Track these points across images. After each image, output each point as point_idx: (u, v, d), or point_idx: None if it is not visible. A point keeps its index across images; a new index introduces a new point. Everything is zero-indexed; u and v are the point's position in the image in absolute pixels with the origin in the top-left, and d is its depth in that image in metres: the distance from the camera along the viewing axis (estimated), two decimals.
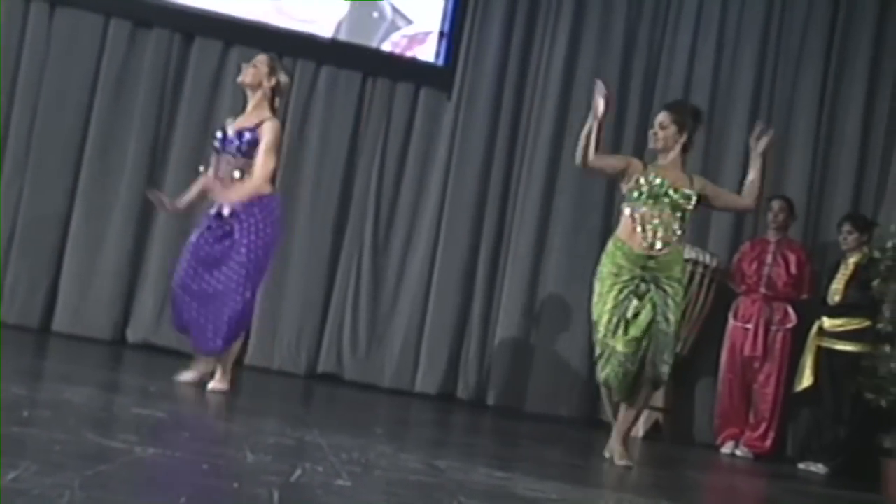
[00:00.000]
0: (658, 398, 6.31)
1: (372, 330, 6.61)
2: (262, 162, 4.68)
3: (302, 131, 6.59)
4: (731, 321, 6.33)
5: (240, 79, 4.91)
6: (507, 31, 6.79)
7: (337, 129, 6.62)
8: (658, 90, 6.86)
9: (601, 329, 4.43)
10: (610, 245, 4.55)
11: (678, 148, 4.59)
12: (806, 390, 6.12)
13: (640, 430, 6.25)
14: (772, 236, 6.37)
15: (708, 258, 6.39)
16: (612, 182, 6.74)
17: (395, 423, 5.35)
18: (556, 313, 6.69)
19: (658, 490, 4.15)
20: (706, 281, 6.35)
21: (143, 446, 2.93)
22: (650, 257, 4.43)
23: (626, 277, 4.42)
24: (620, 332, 4.38)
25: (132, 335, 6.40)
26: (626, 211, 4.54)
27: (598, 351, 4.49)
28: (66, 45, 6.36)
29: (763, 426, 6.20)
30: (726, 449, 6.23)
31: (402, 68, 6.73)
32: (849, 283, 6.00)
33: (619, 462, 4.46)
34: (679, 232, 4.49)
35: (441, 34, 6.74)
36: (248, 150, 4.72)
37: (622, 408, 4.55)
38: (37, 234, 6.29)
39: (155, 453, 2.91)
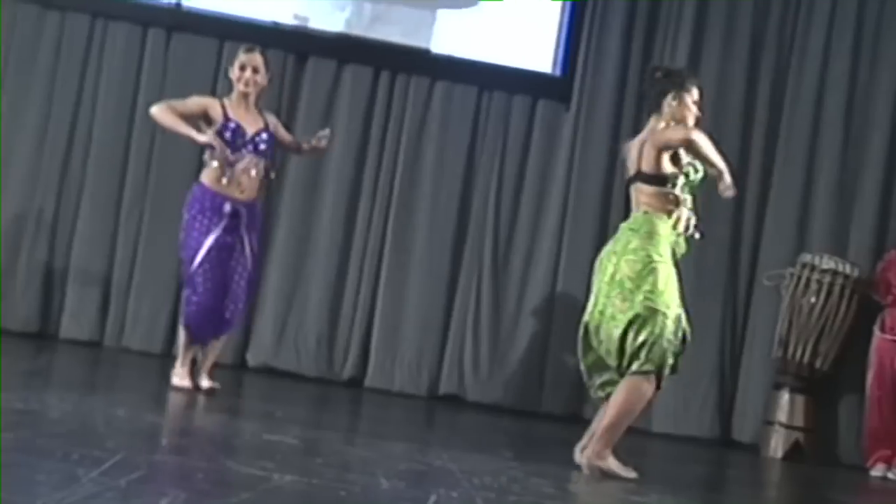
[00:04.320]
0: (798, 416, 6.26)
1: (494, 349, 6.74)
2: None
3: (417, 149, 6.78)
4: (877, 334, 6.22)
5: (248, 88, 5.22)
6: (627, 35, 6.83)
7: (453, 146, 6.80)
8: (788, 93, 6.81)
9: (675, 311, 4.27)
10: (657, 224, 4.31)
11: None
12: None
13: (779, 450, 6.22)
14: None
15: (848, 268, 6.33)
16: (741, 193, 6.71)
17: (522, 444, 5.47)
18: None
19: None
20: (847, 292, 6.29)
21: (280, 473, 3.13)
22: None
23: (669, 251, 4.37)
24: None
25: (252, 359, 6.68)
26: (667, 192, 4.35)
27: (674, 343, 4.28)
28: (183, 70, 6.69)
29: None
30: (877, 472, 6.12)
31: (518, 80, 6.86)
32: None
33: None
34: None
35: None
36: (266, 151, 5.19)
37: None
38: (157, 261, 6.62)
39: (293, 480, 3.10)
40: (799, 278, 6.33)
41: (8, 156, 6.58)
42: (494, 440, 5.39)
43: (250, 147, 5.15)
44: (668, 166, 4.36)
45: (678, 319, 4.31)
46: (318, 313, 6.69)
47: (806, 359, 6.28)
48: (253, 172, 5.14)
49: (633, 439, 6.21)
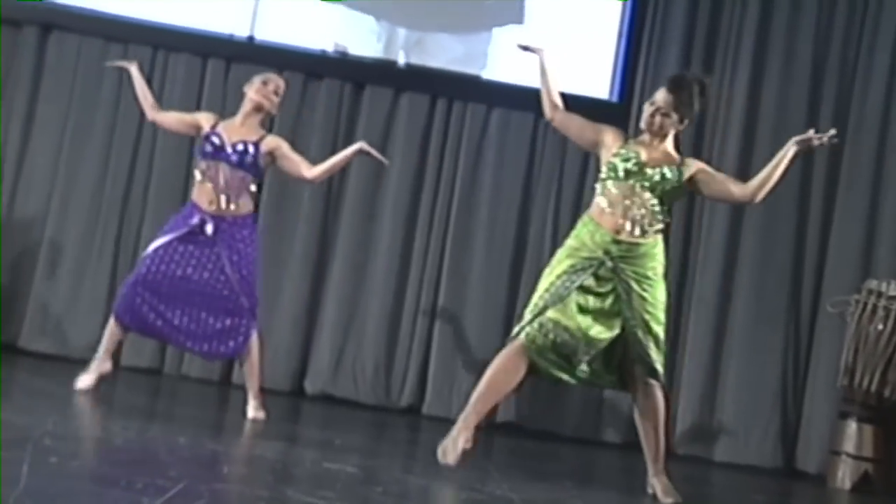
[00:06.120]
0: (867, 446, 6.14)
1: None
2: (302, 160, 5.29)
3: (474, 175, 6.81)
4: None
5: (263, 101, 5.27)
6: (685, 60, 6.80)
7: (510, 173, 6.81)
8: (852, 117, 6.73)
9: (536, 299, 4.26)
10: (578, 224, 4.43)
11: (672, 134, 4.40)
12: None
13: (846, 481, 6.10)
14: None
15: None
16: (803, 218, 6.68)
17: (582, 474, 5.44)
18: (744, 355, 6.63)
19: None
20: None
21: (341, 503, 3.13)
22: (617, 241, 4.25)
23: (584, 254, 4.27)
24: (563, 307, 4.19)
25: (310, 386, 6.72)
26: (598, 189, 4.39)
27: (525, 318, 4.28)
28: (241, 99, 6.75)
29: None
30: None
31: (575, 107, 6.82)
32: None
33: (666, 501, 4.24)
34: (659, 218, 4.31)
35: None
36: (250, 165, 5.14)
37: (640, 430, 4.33)
38: None
39: None
40: (865, 305, 6.23)
41: (72, 185, 6.73)
42: (554, 469, 5.36)
43: (222, 156, 5.13)
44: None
45: (536, 307, 4.26)
46: (376, 340, 6.72)
47: (874, 387, 6.16)
48: (211, 182, 5.09)
49: (693, 468, 6.17)
